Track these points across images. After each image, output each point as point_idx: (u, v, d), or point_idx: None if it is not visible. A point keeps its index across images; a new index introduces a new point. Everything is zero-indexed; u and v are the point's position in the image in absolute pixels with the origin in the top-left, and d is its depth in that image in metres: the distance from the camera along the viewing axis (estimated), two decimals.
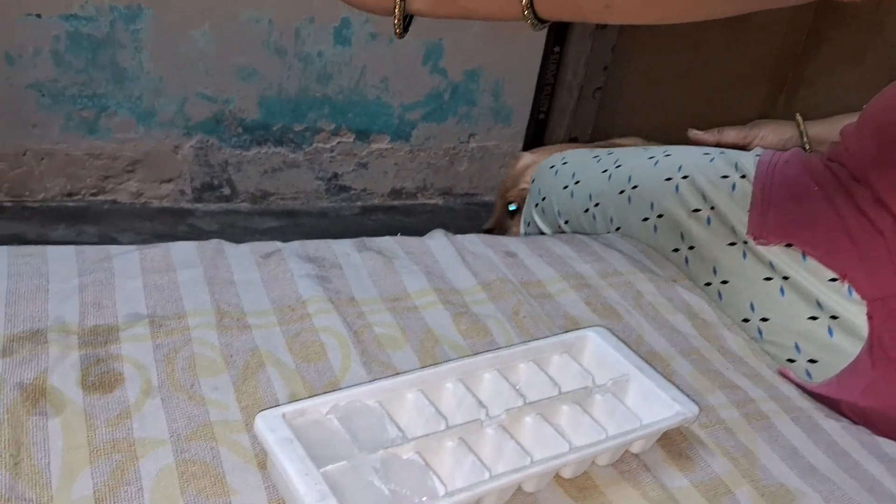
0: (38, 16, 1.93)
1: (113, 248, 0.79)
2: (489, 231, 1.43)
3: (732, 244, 0.95)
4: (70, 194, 2.14)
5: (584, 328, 0.75)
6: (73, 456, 0.56)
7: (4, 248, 0.75)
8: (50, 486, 0.53)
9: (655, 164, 1.09)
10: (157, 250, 0.80)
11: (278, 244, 0.88)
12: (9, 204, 2.10)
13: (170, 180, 2.22)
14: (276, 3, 2.08)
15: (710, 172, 1.00)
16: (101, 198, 2.18)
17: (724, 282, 0.95)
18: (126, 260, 0.77)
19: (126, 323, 0.69)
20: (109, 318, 0.69)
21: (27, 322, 0.66)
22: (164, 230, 2.17)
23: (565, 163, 1.27)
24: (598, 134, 2.43)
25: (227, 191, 2.29)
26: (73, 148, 2.09)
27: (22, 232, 2.03)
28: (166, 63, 2.06)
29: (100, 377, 0.63)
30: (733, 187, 0.97)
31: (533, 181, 1.35)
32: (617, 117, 2.39)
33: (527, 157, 1.45)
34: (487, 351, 0.69)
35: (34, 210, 2.11)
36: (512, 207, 1.44)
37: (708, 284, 0.96)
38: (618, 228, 1.11)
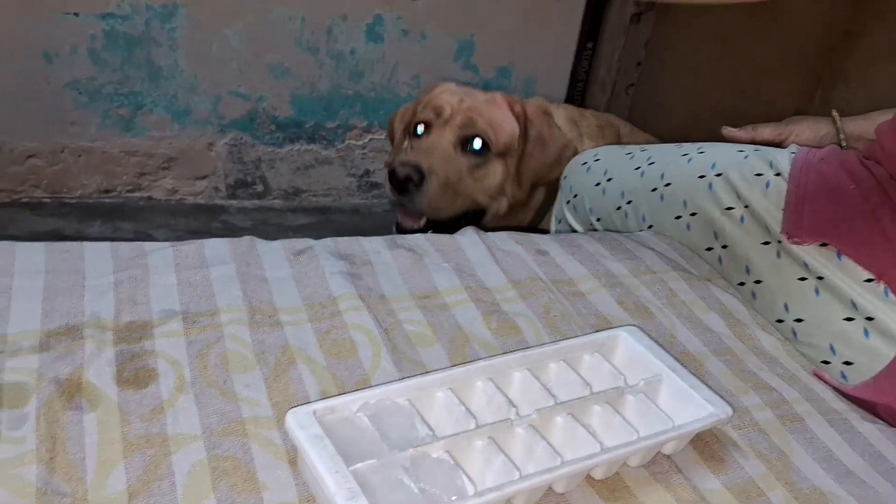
0: (76, 14, 1.96)
1: (147, 245, 0.80)
2: (391, 168, 1.38)
3: (766, 243, 0.93)
4: (106, 191, 2.17)
5: (615, 327, 0.74)
6: (107, 451, 0.57)
7: (41, 244, 0.77)
8: (85, 481, 0.54)
9: (689, 161, 1.07)
10: (190, 247, 0.81)
11: (310, 241, 0.88)
12: (47, 200, 2.13)
13: (204, 177, 2.24)
14: (309, 1, 2.09)
15: (745, 170, 0.99)
16: (136, 195, 2.21)
17: (758, 281, 0.93)
18: (160, 257, 0.78)
19: (160, 319, 0.70)
20: (144, 315, 0.70)
21: (64, 317, 0.68)
22: (199, 226, 2.19)
23: (597, 159, 1.26)
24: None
25: (260, 188, 2.30)
26: (109, 145, 2.12)
27: (59, 228, 2.06)
28: (200, 61, 2.08)
29: (134, 373, 0.64)
30: (767, 185, 0.95)
31: (564, 177, 1.34)
32: (650, 114, 2.37)
33: (447, 86, 1.49)
34: (518, 350, 0.69)
35: (71, 206, 2.14)
36: (419, 131, 1.42)
37: (741, 284, 0.95)
38: (650, 226, 1.10)
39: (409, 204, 1.35)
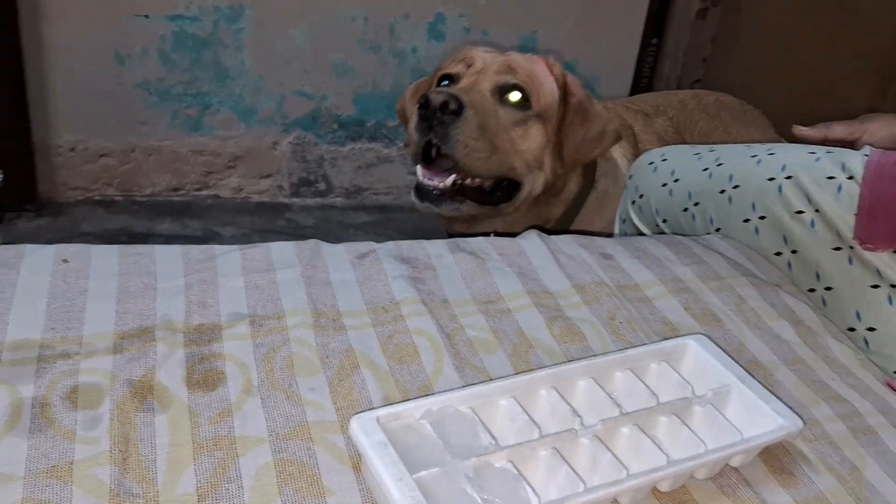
0: (146, 16, 2.01)
1: (216, 248, 0.82)
2: (423, 96, 1.14)
3: (837, 249, 0.90)
4: (175, 189, 2.23)
5: (683, 335, 0.73)
6: (177, 452, 0.58)
7: (115, 247, 0.79)
8: (156, 482, 0.56)
9: (758, 162, 1.05)
10: (257, 250, 0.82)
11: (373, 244, 0.89)
12: (119, 198, 2.20)
13: (268, 176, 2.28)
14: (372, 1, 2.10)
15: (816, 172, 0.96)
16: (204, 193, 2.26)
17: (829, 288, 0.91)
18: (228, 260, 0.79)
19: (228, 322, 0.71)
20: (213, 317, 0.71)
21: (136, 319, 0.69)
22: (263, 224, 2.23)
23: (664, 159, 1.24)
24: None
25: (322, 186, 2.33)
26: (178, 145, 2.17)
27: (130, 225, 2.12)
28: (266, 61, 2.11)
29: (203, 375, 0.65)
30: (839, 189, 0.92)
31: (630, 177, 1.32)
32: None
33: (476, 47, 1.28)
34: (582, 358, 0.68)
35: (142, 204, 2.20)
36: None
37: (812, 290, 0.92)
38: (718, 229, 1.08)
39: (442, 140, 1.11)
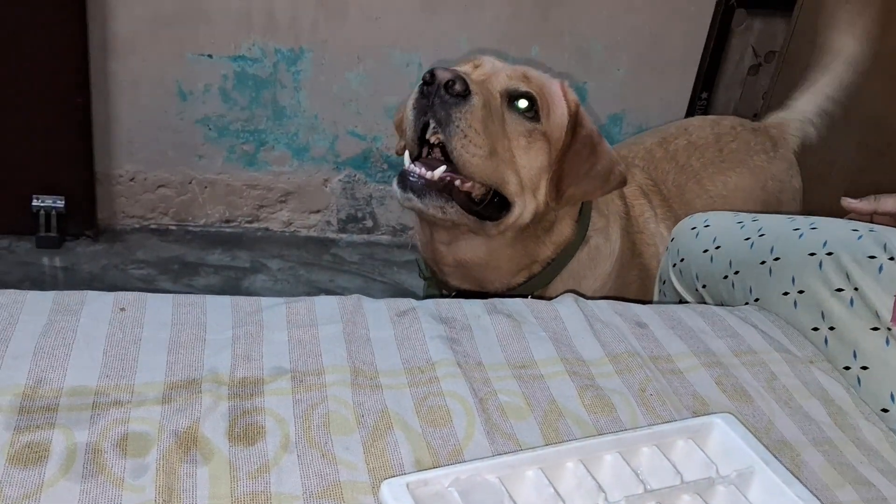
0: (210, 56, 2.09)
1: (263, 301, 0.85)
2: (428, 73, 1.02)
3: (875, 329, 0.91)
4: (227, 221, 2.30)
5: (712, 411, 0.74)
6: None
7: (169, 296, 0.83)
8: None
9: (800, 236, 1.05)
10: (302, 304, 0.85)
11: (413, 302, 0.91)
12: (173, 227, 2.27)
13: (318, 211, 2.34)
14: (428, 48, 2.16)
15: (857, 251, 0.96)
16: (254, 225, 2.32)
17: (864, 367, 0.91)
18: (274, 313, 0.83)
19: (271, 376, 0.74)
20: (256, 371, 0.75)
21: (185, 370, 0.73)
22: (310, 258, 2.28)
23: (707, 225, 1.25)
24: None
25: (369, 223, 2.38)
26: (233, 178, 2.24)
27: (182, 254, 2.20)
28: (322, 102, 2.18)
29: (245, 429, 0.68)
30: (880, 269, 0.93)
31: (672, 240, 1.33)
32: None
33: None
34: (610, 433, 0.69)
35: (195, 234, 2.27)
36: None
37: (847, 368, 0.93)
38: (756, 299, 1.08)
39: (441, 123, 0.99)
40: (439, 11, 2.14)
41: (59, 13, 1.94)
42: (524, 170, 1.08)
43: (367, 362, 0.79)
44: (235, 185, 2.25)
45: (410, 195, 1.03)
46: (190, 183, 2.23)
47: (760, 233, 1.12)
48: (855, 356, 0.92)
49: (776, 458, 0.69)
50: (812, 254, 1.01)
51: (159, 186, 2.22)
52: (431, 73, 1.00)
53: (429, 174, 1.02)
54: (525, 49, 2.23)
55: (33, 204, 2.09)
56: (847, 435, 0.82)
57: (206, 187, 2.24)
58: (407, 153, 1.07)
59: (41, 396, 0.68)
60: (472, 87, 1.00)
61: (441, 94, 0.98)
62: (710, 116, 1.67)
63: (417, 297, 0.98)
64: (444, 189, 1.03)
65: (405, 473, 0.65)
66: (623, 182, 1.15)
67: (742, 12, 2.23)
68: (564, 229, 1.17)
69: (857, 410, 0.86)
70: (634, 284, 1.27)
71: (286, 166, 2.26)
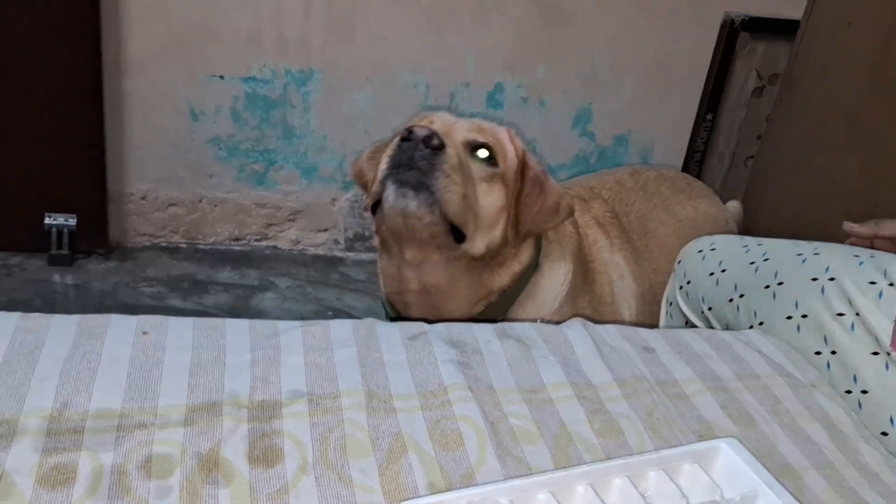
0: (221, 77, 2.12)
1: (280, 324, 0.88)
2: (406, 129, 1.11)
3: (875, 353, 0.93)
4: (237, 239, 2.32)
5: (717, 437, 0.76)
6: None
7: (190, 319, 0.85)
8: None
9: (803, 261, 1.08)
10: (318, 328, 0.88)
11: (424, 326, 0.94)
12: (183, 245, 2.30)
13: (325, 230, 2.36)
14: (434, 69, 2.19)
15: (858, 277, 0.99)
16: (263, 244, 2.35)
17: (865, 391, 0.93)
18: (291, 336, 0.85)
19: (288, 400, 0.77)
20: (274, 394, 0.77)
21: (206, 393, 0.75)
22: (317, 276, 2.30)
23: (713, 249, 1.27)
24: (749, 202, 2.37)
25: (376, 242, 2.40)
26: (242, 197, 2.27)
27: (192, 272, 2.22)
28: (330, 122, 2.21)
29: (264, 451, 0.70)
30: (880, 295, 0.95)
31: (679, 262, 1.35)
32: (769, 187, 2.33)
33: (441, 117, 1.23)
34: (619, 457, 0.71)
35: (205, 252, 2.30)
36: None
37: (848, 392, 0.95)
38: (761, 323, 1.10)
39: (425, 171, 1.08)
40: (446, 32, 2.17)
41: (73, 33, 1.98)
42: (486, 209, 1.17)
43: (381, 386, 0.81)
44: (245, 204, 2.28)
45: (407, 191, 1.09)
46: (200, 201, 2.26)
47: (765, 257, 1.15)
48: (855, 380, 0.94)
49: (779, 481, 0.71)
50: (815, 279, 1.03)
51: (170, 205, 2.25)
52: (409, 130, 1.09)
53: (410, 204, 1.09)
54: (531, 69, 2.26)
55: (45, 222, 2.11)
56: (848, 458, 0.84)
57: (215, 206, 2.27)
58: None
59: (67, 419, 0.70)
60: (446, 140, 1.10)
61: (420, 148, 1.08)
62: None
63: None
64: (431, 193, 1.10)
65: (419, 496, 0.67)
66: (571, 212, 1.24)
67: (746, 36, 2.26)
68: (519, 259, 1.25)
69: (857, 434, 0.88)
70: (587, 310, 1.31)
71: (295, 185, 2.28)
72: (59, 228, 2.12)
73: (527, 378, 0.86)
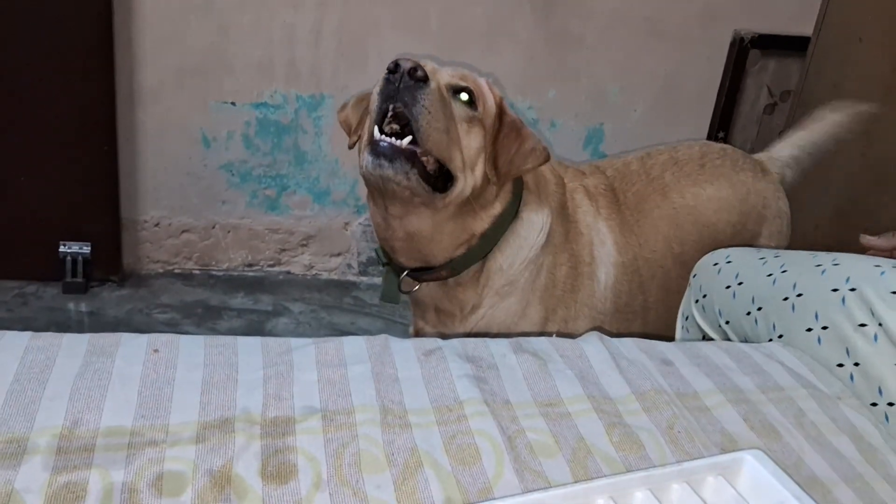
0: (233, 103, 2.14)
1: (293, 341, 0.87)
2: (393, 63, 1.14)
3: None
4: (250, 265, 2.32)
5: (741, 448, 0.74)
6: None
7: (201, 337, 0.84)
8: None
9: (822, 272, 1.06)
10: (331, 345, 0.87)
11: (439, 341, 0.92)
12: (197, 272, 2.30)
13: (338, 254, 2.36)
14: None
15: (880, 286, 0.97)
16: (276, 269, 2.35)
17: (891, 404, 0.91)
18: (304, 353, 0.84)
19: (301, 416, 0.75)
20: (287, 411, 0.76)
21: (218, 410, 0.74)
22: (331, 301, 2.29)
23: (729, 261, 1.26)
24: None
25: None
26: (255, 223, 2.27)
27: (206, 298, 2.22)
28: (342, 147, 2.19)
29: (277, 468, 0.69)
30: None
31: (694, 276, 1.34)
32: None
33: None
34: (640, 469, 0.70)
35: (218, 278, 2.30)
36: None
37: (874, 405, 0.92)
38: (780, 336, 1.08)
39: (408, 103, 1.12)
40: (457, 57, 2.17)
41: (87, 64, 2.00)
42: (467, 149, 1.24)
43: (395, 401, 0.80)
44: (258, 230, 2.29)
45: (382, 161, 1.14)
46: (213, 228, 2.26)
47: (783, 269, 1.13)
48: (881, 392, 0.92)
49: (808, 493, 0.69)
50: (835, 289, 1.02)
51: (183, 231, 2.25)
52: (396, 63, 1.14)
53: (398, 142, 1.15)
54: (542, 92, 2.26)
55: (60, 250, 2.12)
56: (878, 472, 0.82)
57: (228, 232, 2.27)
58: (375, 129, 1.18)
59: (78, 437, 0.69)
60: (430, 74, 1.16)
61: (405, 79, 1.13)
62: (704, 140, 1.70)
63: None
64: (407, 158, 1.16)
65: None
66: (546, 157, 1.30)
67: (756, 53, 2.26)
68: (498, 205, 1.31)
69: (886, 447, 0.85)
70: (565, 266, 1.37)
71: (307, 210, 2.29)
72: (74, 256, 2.13)
73: (543, 392, 0.84)
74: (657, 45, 2.25)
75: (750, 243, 1.49)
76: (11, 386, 0.73)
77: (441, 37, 2.15)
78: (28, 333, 0.80)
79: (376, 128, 1.17)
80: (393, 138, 1.15)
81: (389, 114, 1.15)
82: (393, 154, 1.14)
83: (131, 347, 0.80)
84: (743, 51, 2.25)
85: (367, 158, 1.15)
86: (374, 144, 1.15)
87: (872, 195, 2.00)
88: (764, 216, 1.55)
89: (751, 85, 2.30)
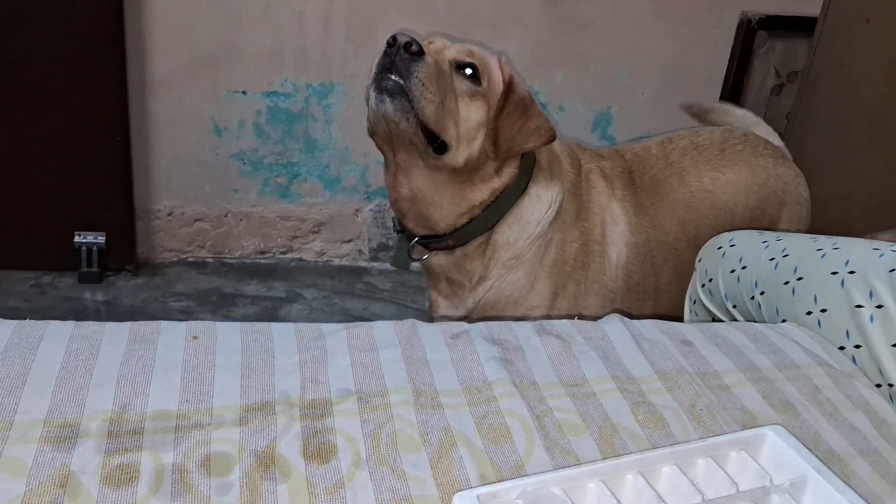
0: (244, 92, 2.16)
1: (325, 327, 0.89)
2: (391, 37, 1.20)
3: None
4: (262, 252, 2.35)
5: (761, 425, 0.77)
6: None
7: (237, 324, 0.87)
8: None
9: (822, 256, 1.08)
10: (361, 329, 0.89)
11: (465, 325, 0.95)
12: (210, 260, 2.33)
13: (350, 241, 2.39)
14: None
15: (879, 269, 0.99)
16: (289, 256, 2.37)
17: (892, 384, 0.93)
18: (336, 338, 0.87)
19: (338, 398, 0.78)
20: (324, 393, 0.79)
21: (258, 394, 0.77)
22: (343, 287, 2.32)
23: (733, 245, 1.28)
24: None
25: None
26: (267, 211, 2.30)
27: (219, 286, 2.24)
28: (352, 134, 2.24)
29: (318, 448, 0.72)
30: None
31: (699, 260, 1.36)
32: None
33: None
34: (667, 446, 0.72)
35: (231, 266, 2.32)
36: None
37: (878, 385, 0.95)
38: (784, 320, 1.11)
39: (402, 74, 1.17)
40: (465, 42, 2.19)
41: (99, 55, 2.02)
42: (464, 121, 1.27)
43: (427, 383, 0.82)
44: (269, 217, 2.31)
45: (385, 97, 1.19)
46: (226, 216, 2.29)
47: (784, 253, 1.15)
48: (881, 372, 0.95)
49: (828, 466, 0.72)
50: (834, 272, 1.04)
51: (196, 220, 2.28)
52: (393, 37, 1.19)
53: (399, 80, 1.19)
54: (550, 76, 2.28)
55: (75, 240, 2.15)
56: (892, 445, 0.84)
57: (241, 220, 2.30)
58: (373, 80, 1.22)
59: (127, 421, 0.72)
60: (425, 48, 1.22)
61: (402, 53, 1.19)
62: (727, 126, 1.71)
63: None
64: (408, 99, 1.20)
65: (473, 487, 0.68)
66: (553, 137, 1.33)
67: (763, 34, 2.27)
68: (501, 178, 1.34)
69: None
70: (576, 244, 1.39)
71: (318, 197, 2.31)
72: (89, 247, 2.15)
73: (568, 373, 0.87)
74: (664, 28, 2.27)
75: (769, 228, 1.51)
76: (60, 373, 0.75)
77: (449, 22, 2.17)
78: (71, 323, 0.83)
79: (373, 86, 1.21)
80: (397, 76, 1.18)
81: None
82: (395, 90, 1.19)
83: (171, 335, 0.83)
84: (750, 32, 2.26)
85: (372, 95, 1.21)
86: (377, 80, 1.20)
87: (880, 175, 2.02)
88: (784, 201, 1.57)
89: (758, 66, 2.32)
